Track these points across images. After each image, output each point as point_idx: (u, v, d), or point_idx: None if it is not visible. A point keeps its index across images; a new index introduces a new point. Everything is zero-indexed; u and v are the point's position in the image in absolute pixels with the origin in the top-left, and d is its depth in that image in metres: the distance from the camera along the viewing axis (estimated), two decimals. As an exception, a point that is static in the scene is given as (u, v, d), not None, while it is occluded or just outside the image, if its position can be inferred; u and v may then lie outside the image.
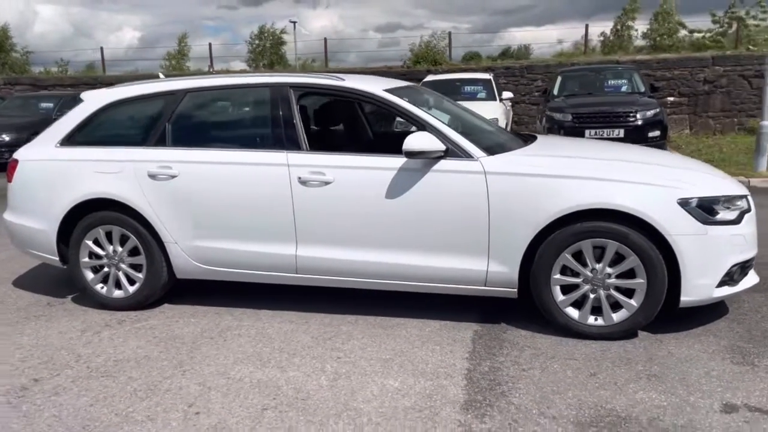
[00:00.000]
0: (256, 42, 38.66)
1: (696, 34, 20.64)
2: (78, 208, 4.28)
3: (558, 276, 3.63)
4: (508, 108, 12.18)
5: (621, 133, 9.74)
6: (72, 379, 3.36)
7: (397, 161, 3.80)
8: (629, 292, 3.58)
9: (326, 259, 3.95)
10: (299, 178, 3.88)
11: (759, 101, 14.54)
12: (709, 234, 3.46)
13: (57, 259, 4.44)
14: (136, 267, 4.31)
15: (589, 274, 3.59)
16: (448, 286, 3.85)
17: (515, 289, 3.75)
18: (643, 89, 11.23)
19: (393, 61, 18.20)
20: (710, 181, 3.71)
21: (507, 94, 11.98)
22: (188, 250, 4.16)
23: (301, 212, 3.91)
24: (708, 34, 20.19)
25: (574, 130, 9.74)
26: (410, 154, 3.66)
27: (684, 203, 3.46)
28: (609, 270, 3.57)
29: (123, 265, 4.32)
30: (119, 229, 4.25)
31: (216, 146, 4.19)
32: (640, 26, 25.38)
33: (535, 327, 3.82)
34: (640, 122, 9.85)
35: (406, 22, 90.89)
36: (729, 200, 3.58)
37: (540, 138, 4.51)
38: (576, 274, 3.63)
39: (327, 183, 3.85)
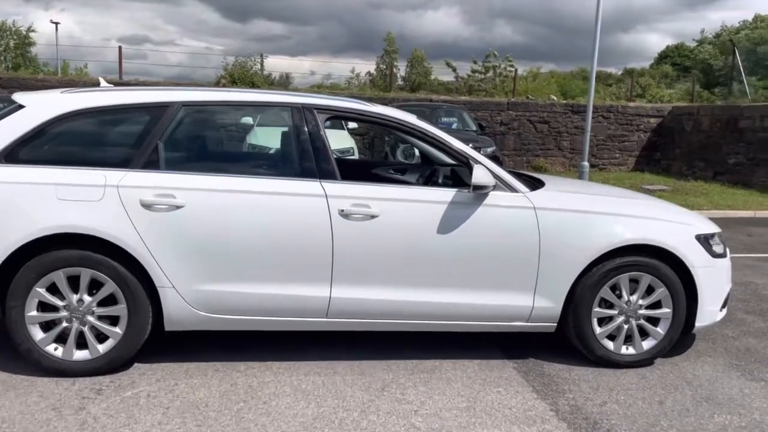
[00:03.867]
0: (-7, 40, 33.50)
1: (466, 75, 23.51)
2: (25, 247, 3.26)
3: (597, 309, 3.77)
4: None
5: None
6: (114, 476, 2.52)
7: (446, 194, 3.62)
8: (654, 321, 3.86)
9: (365, 300, 3.56)
10: (341, 210, 3.46)
11: (542, 143, 16.88)
12: (716, 266, 3.91)
13: None
14: (109, 320, 3.41)
15: (624, 305, 3.80)
16: (490, 323, 3.75)
17: (555, 324, 3.79)
18: (474, 127, 12.25)
19: (136, 75, 17.33)
20: (703, 219, 4.19)
21: (352, 124, 12.09)
22: (190, 296, 3.41)
23: (342, 248, 3.48)
24: (472, 76, 23.12)
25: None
26: (477, 188, 3.52)
27: (698, 238, 3.86)
28: (641, 301, 3.81)
29: (91, 318, 3.38)
30: (90, 272, 3.32)
31: (229, 172, 3.54)
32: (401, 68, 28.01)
33: (560, 359, 3.91)
34: (483, 158, 10.68)
35: (154, 36, 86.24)
36: (717, 236, 4.08)
37: (542, 176, 4.66)
38: (610, 306, 3.81)
39: (373, 216, 3.49)
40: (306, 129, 3.58)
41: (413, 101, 15.28)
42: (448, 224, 3.56)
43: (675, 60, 46.18)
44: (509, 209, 3.64)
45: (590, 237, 3.68)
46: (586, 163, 11.09)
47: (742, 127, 14.43)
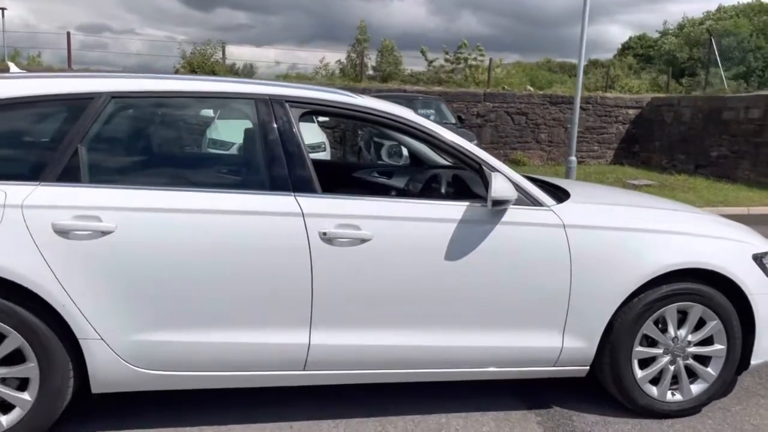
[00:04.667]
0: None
1: (434, 64, 22.72)
2: None
3: (639, 348, 3.07)
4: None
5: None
6: None
7: (455, 210, 2.86)
8: (704, 360, 3.18)
9: (354, 347, 2.79)
10: (323, 233, 2.67)
11: (520, 135, 16.27)
12: (773, 291, 3.23)
13: None
14: (16, 383, 2.57)
15: (671, 343, 3.10)
16: (510, 369, 3.01)
17: (587, 367, 3.08)
18: (453, 120, 11.52)
19: (93, 64, 16.43)
20: (755, 234, 3.51)
21: (322, 117, 11.22)
22: (123, 349, 2.59)
23: (324, 282, 2.69)
24: (443, 68, 22.38)
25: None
26: (497, 203, 2.76)
27: (755, 259, 3.19)
28: (690, 337, 3.12)
29: (-11, 382, 2.54)
30: (-14, 322, 2.48)
31: (176, 185, 2.71)
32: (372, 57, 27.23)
33: (589, 407, 3.20)
34: (464, 153, 9.94)
35: (114, 25, 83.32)
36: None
37: (566, 181, 3.92)
38: (653, 344, 3.11)
39: (364, 240, 2.71)
40: (275, 127, 2.77)
41: (386, 92, 14.48)
42: (458, 248, 2.81)
43: (637, 51, 46.22)
44: (534, 228, 2.90)
45: (632, 260, 2.96)
46: (573, 158, 10.45)
47: (725, 118, 14.00)
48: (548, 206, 2.97)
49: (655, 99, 17.00)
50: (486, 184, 2.87)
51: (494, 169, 2.89)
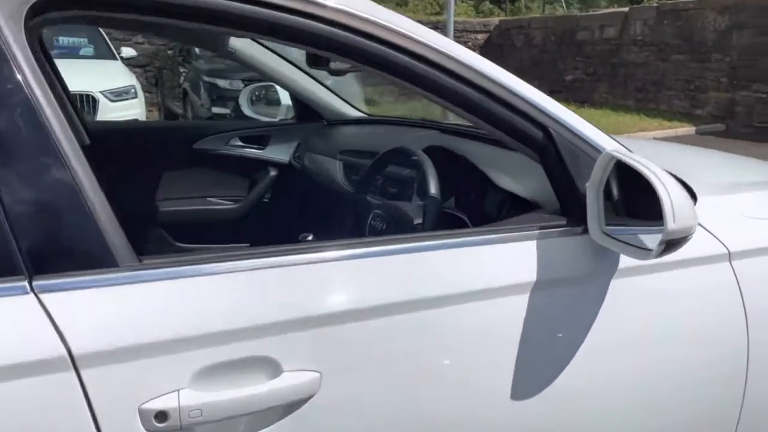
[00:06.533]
0: None
1: None
2: None
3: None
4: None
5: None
6: None
7: (515, 255, 1.08)
8: None
9: None
10: (157, 414, 0.77)
11: (368, 67, 14.58)
12: None
13: None
14: None
15: None
16: None
17: None
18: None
19: None
20: None
21: (128, 51, 8.58)
22: None
23: None
24: None
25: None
26: (673, 244, 1.02)
27: None
28: None
29: None
30: None
31: None
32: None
33: None
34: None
35: None
36: None
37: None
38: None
39: (308, 399, 0.85)
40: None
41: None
42: (535, 353, 1.06)
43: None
44: (678, 274, 1.23)
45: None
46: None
47: (579, 39, 13.35)
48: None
49: (504, 22, 16.10)
50: (557, 175, 1.15)
51: (612, 152, 1.14)
